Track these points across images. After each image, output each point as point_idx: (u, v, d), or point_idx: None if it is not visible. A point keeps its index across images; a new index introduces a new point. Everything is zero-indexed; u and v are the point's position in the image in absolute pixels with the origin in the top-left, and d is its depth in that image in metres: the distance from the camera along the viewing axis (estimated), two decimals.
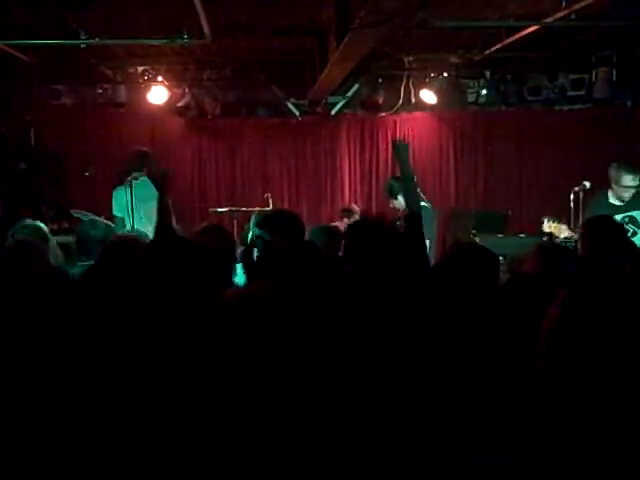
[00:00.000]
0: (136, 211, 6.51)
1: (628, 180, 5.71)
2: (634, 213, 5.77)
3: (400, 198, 6.30)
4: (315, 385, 2.48)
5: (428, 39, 7.01)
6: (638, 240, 5.65)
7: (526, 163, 9.00)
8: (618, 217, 5.69)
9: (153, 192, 5.79)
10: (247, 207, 7.90)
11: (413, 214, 4.03)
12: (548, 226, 5.90)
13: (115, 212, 6.71)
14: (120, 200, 6.65)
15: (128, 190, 6.50)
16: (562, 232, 5.85)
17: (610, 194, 5.74)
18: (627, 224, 5.75)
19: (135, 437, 2.29)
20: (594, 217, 4.67)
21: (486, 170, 9.26)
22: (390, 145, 9.21)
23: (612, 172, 5.77)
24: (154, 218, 5.57)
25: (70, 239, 5.98)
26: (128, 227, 6.48)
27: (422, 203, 6.23)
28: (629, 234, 5.71)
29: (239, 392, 2.35)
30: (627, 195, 5.73)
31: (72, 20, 5.70)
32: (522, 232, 7.55)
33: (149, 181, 6.82)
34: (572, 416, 1.94)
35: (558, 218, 5.91)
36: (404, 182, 4.74)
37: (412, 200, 4.25)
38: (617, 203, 5.76)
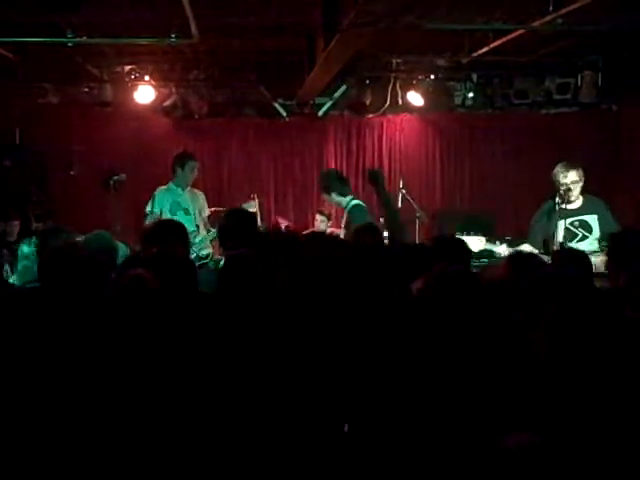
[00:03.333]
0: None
1: (562, 176, 5.73)
2: (586, 217, 5.75)
3: (333, 196, 6.57)
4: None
5: (415, 41, 7.03)
6: (587, 245, 5.60)
7: (512, 166, 9.03)
8: (568, 221, 5.71)
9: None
10: (234, 207, 7.88)
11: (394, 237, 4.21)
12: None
13: (152, 209, 6.95)
14: (161, 200, 6.93)
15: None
16: (474, 244, 5.76)
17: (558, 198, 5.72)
18: (577, 228, 5.74)
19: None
20: None
21: (472, 173, 9.29)
22: (376, 147, 9.25)
23: (553, 173, 5.80)
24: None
25: None
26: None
27: (354, 202, 6.42)
28: (577, 238, 5.70)
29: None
30: (573, 194, 5.71)
31: (59, 19, 5.67)
32: (509, 235, 7.58)
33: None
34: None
35: (474, 231, 5.87)
36: (386, 209, 4.87)
37: (395, 229, 4.40)
38: (568, 207, 5.74)
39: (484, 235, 6.02)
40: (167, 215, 6.90)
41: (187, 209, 7.10)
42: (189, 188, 7.27)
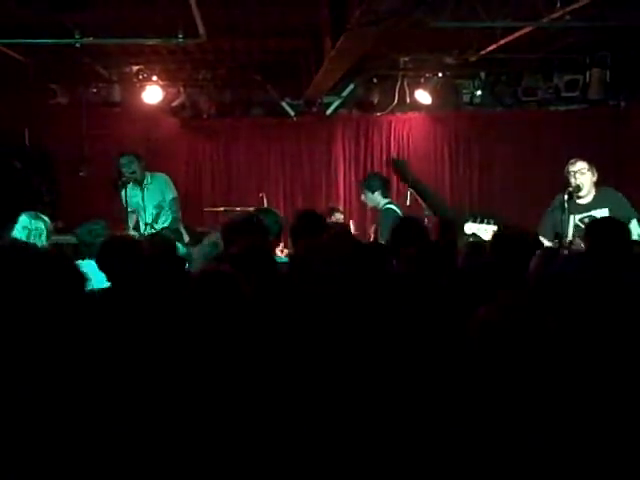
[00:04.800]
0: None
1: (571, 165, 5.75)
2: (596, 213, 5.68)
3: (375, 195, 6.88)
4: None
5: (423, 40, 7.02)
6: None
7: (521, 164, 9.01)
8: (578, 217, 5.69)
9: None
10: (242, 207, 7.90)
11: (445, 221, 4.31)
12: (470, 227, 5.80)
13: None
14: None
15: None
16: (487, 233, 5.73)
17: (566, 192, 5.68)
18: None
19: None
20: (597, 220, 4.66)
21: (481, 171, 9.27)
22: (384, 145, 9.25)
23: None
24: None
25: (66, 238, 6.04)
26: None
27: (390, 206, 6.68)
28: None
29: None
30: (575, 182, 5.69)
31: (67, 19, 5.70)
32: None
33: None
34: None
35: (487, 219, 5.84)
36: (421, 194, 4.99)
37: (437, 207, 4.51)
38: (579, 202, 5.73)
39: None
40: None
41: (132, 210, 7.11)
42: (148, 178, 7.20)
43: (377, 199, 6.90)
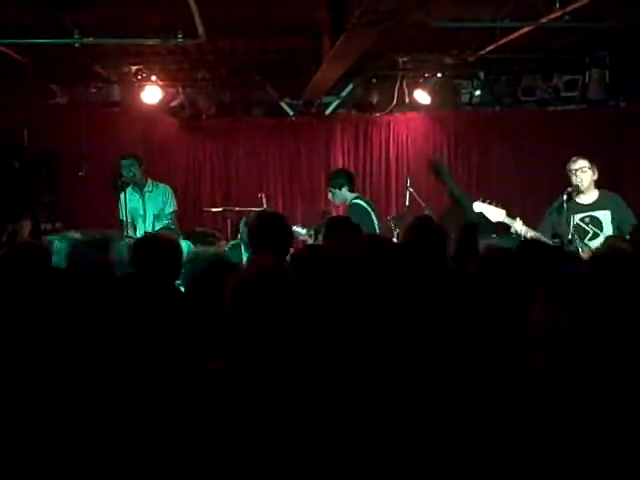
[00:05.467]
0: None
1: (572, 162, 5.78)
2: (597, 213, 5.71)
3: (343, 191, 6.88)
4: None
5: (422, 40, 7.03)
6: (599, 243, 5.49)
7: (520, 164, 9.02)
8: (578, 216, 5.70)
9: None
10: (241, 207, 7.90)
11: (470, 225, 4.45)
12: (479, 206, 5.86)
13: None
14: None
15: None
16: (494, 215, 5.80)
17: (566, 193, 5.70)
18: (587, 225, 5.69)
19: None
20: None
21: (480, 170, 9.27)
22: (383, 145, 9.25)
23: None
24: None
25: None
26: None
27: (357, 201, 6.72)
28: (589, 236, 5.65)
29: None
30: (576, 180, 5.71)
31: (67, 19, 5.69)
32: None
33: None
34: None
35: (497, 202, 5.89)
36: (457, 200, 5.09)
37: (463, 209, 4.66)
38: (581, 201, 5.75)
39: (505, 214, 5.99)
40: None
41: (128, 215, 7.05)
42: (149, 185, 7.25)
43: (344, 195, 6.91)
